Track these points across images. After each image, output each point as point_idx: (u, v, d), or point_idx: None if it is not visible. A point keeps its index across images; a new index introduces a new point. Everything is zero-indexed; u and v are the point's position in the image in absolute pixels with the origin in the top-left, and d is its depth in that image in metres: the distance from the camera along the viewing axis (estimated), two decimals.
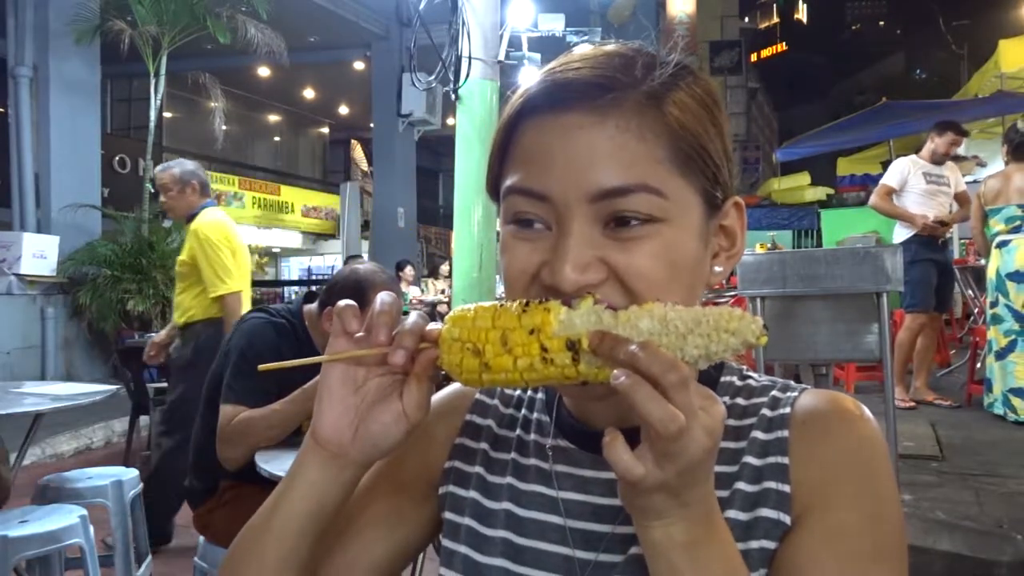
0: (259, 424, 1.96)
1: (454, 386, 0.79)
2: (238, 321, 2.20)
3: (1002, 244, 4.43)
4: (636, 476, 0.49)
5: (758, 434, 0.64)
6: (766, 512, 0.60)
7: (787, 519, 0.59)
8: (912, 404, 4.69)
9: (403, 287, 9.73)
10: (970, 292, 6.70)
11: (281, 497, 0.64)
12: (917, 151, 4.97)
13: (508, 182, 0.62)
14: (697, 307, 0.51)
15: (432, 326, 0.60)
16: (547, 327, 0.53)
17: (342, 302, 0.62)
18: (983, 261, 5.57)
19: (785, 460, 0.61)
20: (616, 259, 0.57)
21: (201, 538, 2.23)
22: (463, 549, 0.70)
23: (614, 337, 0.50)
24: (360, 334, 0.61)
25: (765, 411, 0.65)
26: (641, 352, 0.48)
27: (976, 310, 6.59)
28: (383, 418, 0.61)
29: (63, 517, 2.36)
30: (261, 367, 0.63)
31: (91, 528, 2.43)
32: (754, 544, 0.59)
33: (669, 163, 0.59)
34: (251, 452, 1.96)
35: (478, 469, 0.73)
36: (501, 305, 0.56)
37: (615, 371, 0.49)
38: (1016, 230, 4.36)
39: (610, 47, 0.63)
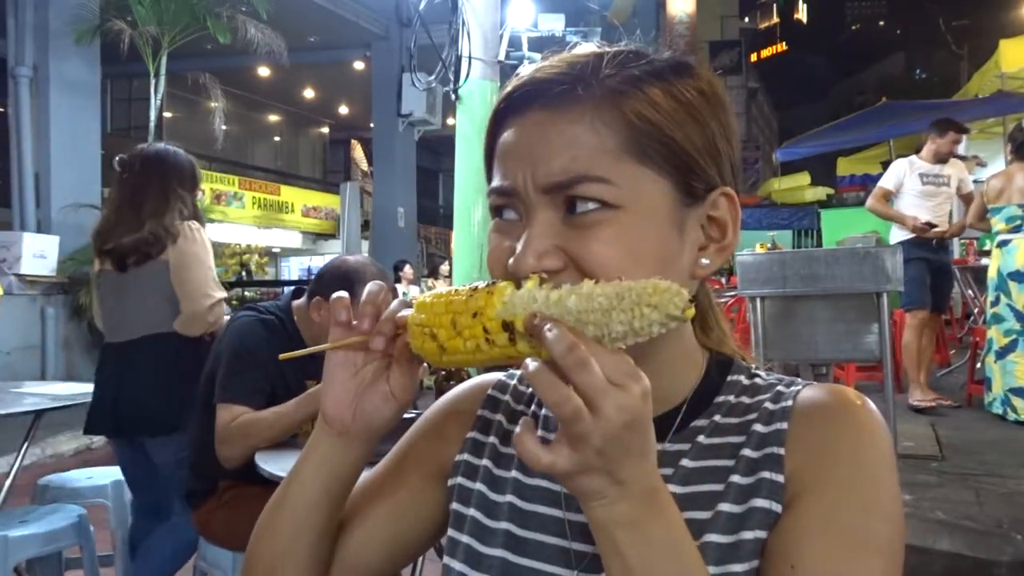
0: (259, 425, 1.96)
1: (470, 382, 0.82)
2: (228, 321, 2.20)
3: (1003, 243, 4.43)
4: (543, 465, 0.51)
5: (758, 427, 0.64)
6: (759, 502, 0.60)
7: (778, 508, 0.59)
8: (932, 404, 4.58)
9: (403, 286, 9.73)
10: (970, 292, 6.70)
11: (295, 472, 0.70)
12: (917, 151, 4.96)
13: (490, 184, 0.66)
14: (626, 282, 0.51)
15: (404, 312, 0.64)
16: (489, 309, 0.55)
17: (336, 294, 0.67)
18: (984, 261, 5.57)
19: (781, 451, 0.62)
20: (573, 248, 0.60)
21: (201, 538, 2.23)
22: (465, 539, 0.71)
23: (543, 318, 0.51)
24: (355, 323, 0.66)
25: (768, 405, 0.66)
26: (548, 334, 0.49)
27: (976, 310, 6.59)
28: (374, 399, 0.67)
29: (63, 517, 2.36)
30: (281, 356, 0.70)
31: (91, 528, 2.43)
32: (748, 535, 0.59)
33: (621, 151, 0.60)
34: (250, 452, 1.96)
35: (486, 462, 0.74)
36: (456, 290, 0.59)
37: (526, 360, 0.50)
38: (1017, 229, 4.36)
39: (587, 47, 0.66)
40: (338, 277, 2.05)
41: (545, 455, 0.50)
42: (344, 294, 0.67)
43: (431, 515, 0.75)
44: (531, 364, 0.50)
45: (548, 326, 0.50)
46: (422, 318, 0.60)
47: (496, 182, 0.64)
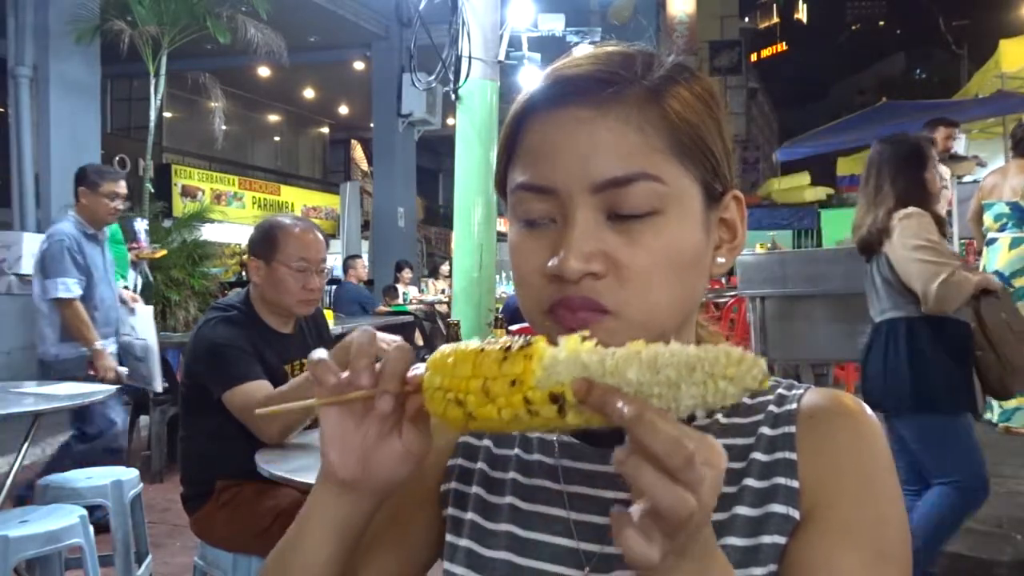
0: (283, 394, 1.96)
1: None
2: (196, 328, 2.21)
3: (990, 242, 4.41)
4: (653, 561, 0.45)
5: (765, 430, 0.65)
6: (776, 507, 0.61)
7: (796, 514, 0.60)
8: None
9: (401, 287, 9.73)
10: None
11: (300, 533, 0.64)
12: None
13: (515, 180, 0.64)
14: (691, 349, 0.46)
15: (414, 372, 0.58)
16: (528, 377, 0.49)
17: (314, 356, 0.61)
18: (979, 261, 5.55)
19: (793, 456, 0.62)
20: (618, 253, 0.59)
21: (200, 540, 2.23)
22: (465, 542, 0.70)
23: (603, 389, 0.46)
24: (345, 375, 0.59)
25: (772, 408, 0.66)
26: (640, 428, 0.44)
27: None
28: (387, 459, 0.61)
29: (63, 517, 2.36)
30: (258, 412, 0.64)
31: (91, 528, 2.43)
32: (766, 539, 0.60)
33: (668, 152, 0.60)
34: (288, 425, 1.97)
35: (481, 465, 0.73)
36: (482, 349, 0.52)
37: (616, 452, 0.46)
38: (1003, 228, 4.34)
39: (612, 46, 0.65)
40: (261, 232, 2.17)
41: (654, 552, 0.45)
42: (323, 357, 0.60)
43: (438, 533, 0.74)
44: (631, 461, 0.44)
45: (628, 410, 0.44)
46: (442, 381, 0.53)
47: (527, 179, 0.62)
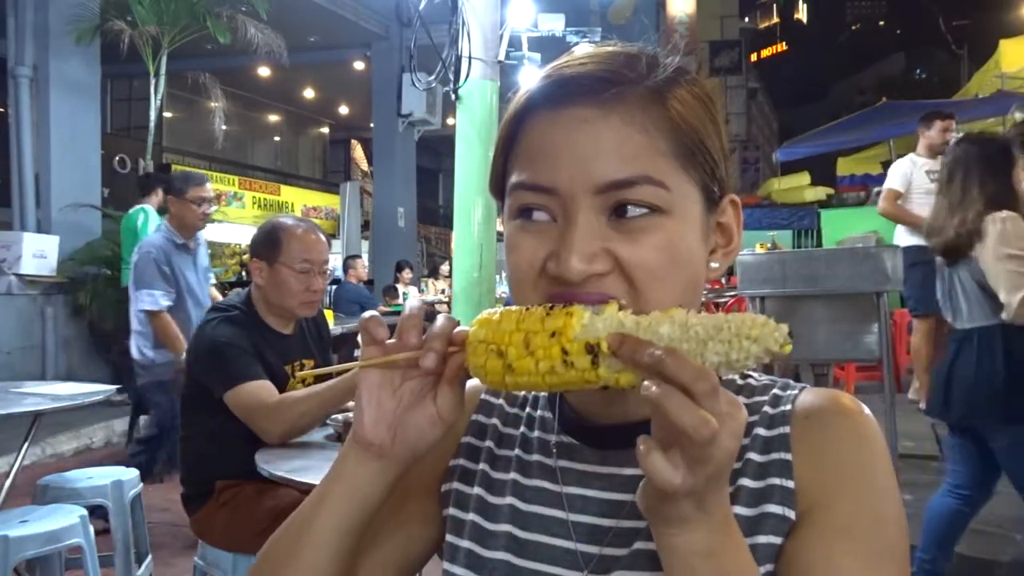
0: (291, 399, 1.96)
1: None
2: (197, 328, 2.22)
3: None
4: (675, 485, 0.49)
5: (760, 431, 0.64)
6: (771, 508, 0.61)
7: (792, 514, 0.60)
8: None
9: (401, 287, 9.73)
10: None
11: (322, 499, 0.65)
12: (915, 151, 4.95)
13: (514, 178, 0.63)
14: (719, 314, 0.50)
15: (460, 328, 0.61)
16: (568, 330, 0.53)
17: (366, 313, 0.64)
18: None
19: (788, 456, 0.62)
20: (621, 250, 0.59)
21: (200, 540, 2.23)
22: (466, 543, 0.70)
23: (635, 340, 0.50)
24: (391, 341, 0.62)
25: (767, 408, 0.66)
26: (669, 359, 0.48)
27: None
28: (419, 421, 0.63)
29: (63, 517, 2.36)
30: (299, 373, 0.66)
31: (91, 528, 2.43)
32: (761, 539, 0.60)
33: (671, 156, 0.60)
34: (289, 428, 1.97)
35: (482, 466, 0.73)
36: (527, 309, 0.57)
37: (645, 382, 0.48)
38: None
39: (613, 46, 0.64)
40: (264, 233, 2.17)
41: (676, 475, 0.48)
42: (375, 314, 0.64)
43: (438, 528, 0.75)
44: (656, 388, 0.48)
45: (658, 351, 0.48)
46: (486, 334, 0.57)
47: (527, 178, 0.61)
